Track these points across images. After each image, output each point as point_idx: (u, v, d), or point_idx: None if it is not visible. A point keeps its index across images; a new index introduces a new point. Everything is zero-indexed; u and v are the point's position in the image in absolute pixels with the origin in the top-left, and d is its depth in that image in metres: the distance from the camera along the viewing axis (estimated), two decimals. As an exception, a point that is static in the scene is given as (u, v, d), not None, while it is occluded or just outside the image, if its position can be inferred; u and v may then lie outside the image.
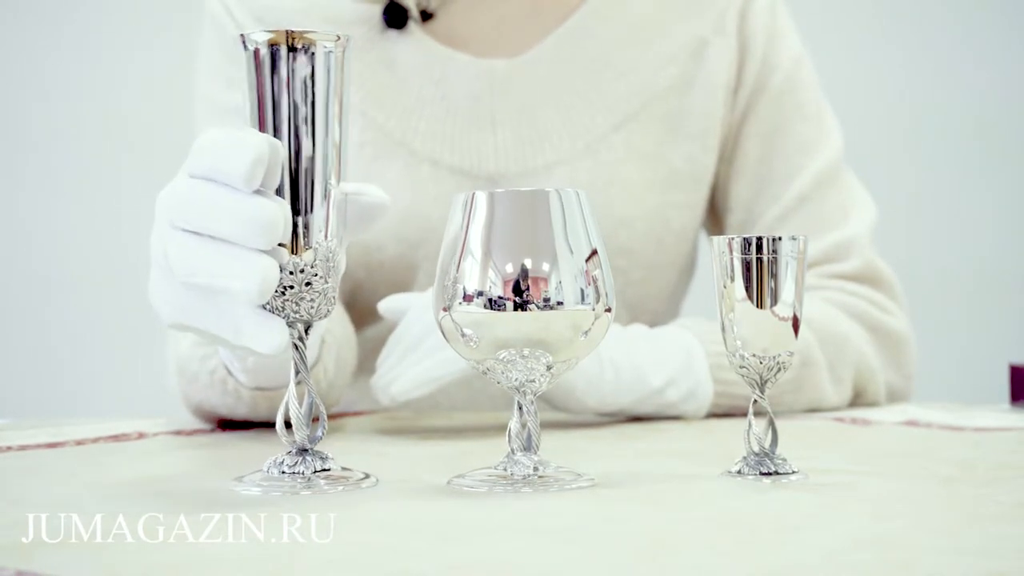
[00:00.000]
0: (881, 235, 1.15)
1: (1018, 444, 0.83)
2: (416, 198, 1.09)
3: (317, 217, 0.65)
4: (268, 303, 0.64)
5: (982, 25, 2.26)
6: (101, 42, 2.22)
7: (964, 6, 2.25)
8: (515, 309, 0.64)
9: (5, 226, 2.22)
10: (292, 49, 0.64)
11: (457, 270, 0.65)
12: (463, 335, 0.65)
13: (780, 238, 0.68)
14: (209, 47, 1.13)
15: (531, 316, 0.64)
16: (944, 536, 0.53)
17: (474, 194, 0.65)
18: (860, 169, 1.19)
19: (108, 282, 2.19)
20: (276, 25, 1.08)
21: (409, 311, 0.92)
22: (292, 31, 0.64)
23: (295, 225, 0.64)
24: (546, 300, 0.64)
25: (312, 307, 0.65)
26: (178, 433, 0.91)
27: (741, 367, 0.70)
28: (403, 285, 1.09)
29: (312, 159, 0.64)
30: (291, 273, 0.64)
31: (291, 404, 0.66)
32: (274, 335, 0.63)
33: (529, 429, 0.67)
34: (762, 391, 0.70)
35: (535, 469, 0.66)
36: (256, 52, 0.64)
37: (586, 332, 0.65)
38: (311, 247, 0.65)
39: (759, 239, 0.69)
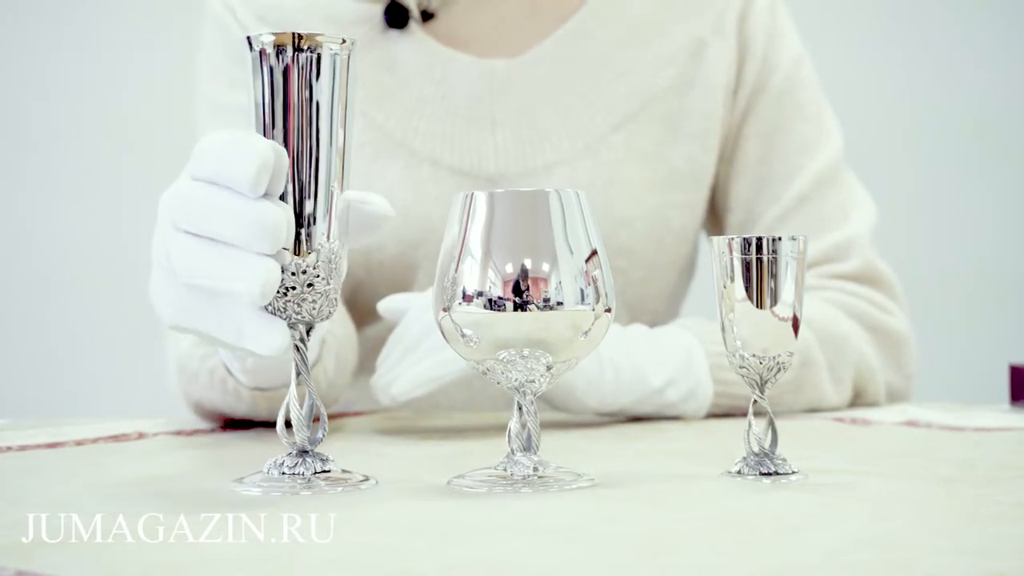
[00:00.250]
0: (881, 235, 1.15)
1: (1018, 444, 0.83)
2: (416, 198, 1.09)
3: (320, 219, 0.65)
4: (270, 304, 0.64)
5: (982, 25, 2.26)
6: (101, 42, 2.22)
7: (964, 6, 2.25)
8: (515, 309, 0.64)
9: (5, 226, 2.22)
10: (298, 50, 0.64)
11: (457, 270, 0.65)
12: (463, 335, 0.65)
13: (780, 238, 0.68)
14: (211, 47, 1.13)
15: (531, 316, 0.64)
16: (944, 536, 0.53)
17: (474, 194, 0.65)
18: (860, 169, 1.19)
19: (108, 282, 2.19)
20: (278, 24, 1.08)
21: (409, 311, 0.92)
22: (298, 33, 0.64)
23: (298, 227, 0.64)
24: (546, 300, 0.64)
25: (314, 308, 0.65)
26: (178, 433, 0.91)
27: (741, 367, 0.70)
28: (403, 285, 1.09)
29: (316, 160, 0.64)
30: (293, 274, 0.64)
31: (292, 405, 0.66)
32: (275, 337, 0.63)
33: (529, 429, 0.67)
34: (762, 391, 0.70)
35: (535, 469, 0.66)
36: (262, 53, 0.64)
37: (586, 332, 0.65)
38: (314, 249, 0.65)
39: (759, 239, 0.69)
